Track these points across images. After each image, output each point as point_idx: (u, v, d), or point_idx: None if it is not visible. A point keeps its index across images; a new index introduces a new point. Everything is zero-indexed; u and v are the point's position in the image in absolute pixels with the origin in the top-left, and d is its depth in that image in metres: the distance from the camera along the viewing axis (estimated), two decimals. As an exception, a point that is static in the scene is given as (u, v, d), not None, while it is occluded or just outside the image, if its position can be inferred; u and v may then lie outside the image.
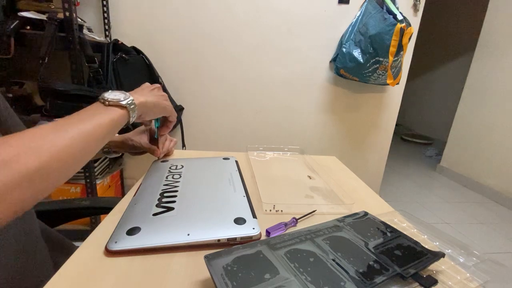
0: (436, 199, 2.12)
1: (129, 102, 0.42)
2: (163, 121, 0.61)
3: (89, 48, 1.14)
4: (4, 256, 0.36)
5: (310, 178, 0.66)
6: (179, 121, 1.56)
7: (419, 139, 3.61)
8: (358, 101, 1.71)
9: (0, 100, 0.40)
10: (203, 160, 0.67)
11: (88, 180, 1.23)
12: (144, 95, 0.49)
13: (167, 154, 0.72)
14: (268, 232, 0.42)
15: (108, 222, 0.43)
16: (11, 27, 1.00)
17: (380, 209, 0.54)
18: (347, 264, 0.33)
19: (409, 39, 1.33)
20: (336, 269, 0.32)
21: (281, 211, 0.50)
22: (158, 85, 0.54)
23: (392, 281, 0.32)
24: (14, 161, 0.26)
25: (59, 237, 0.56)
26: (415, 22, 1.59)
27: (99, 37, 1.30)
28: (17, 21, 1.02)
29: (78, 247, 0.37)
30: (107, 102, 0.40)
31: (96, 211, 0.63)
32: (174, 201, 0.46)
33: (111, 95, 0.42)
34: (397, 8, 1.36)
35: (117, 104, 0.41)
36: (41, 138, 0.30)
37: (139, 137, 0.64)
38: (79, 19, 1.12)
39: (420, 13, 1.59)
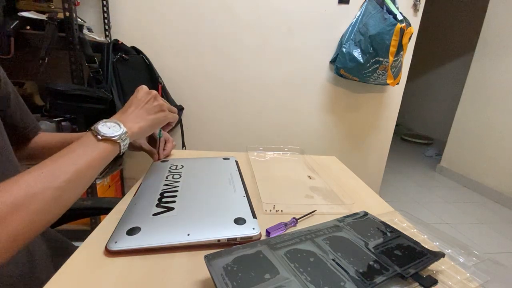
0: (436, 199, 2.12)
1: (122, 137, 0.41)
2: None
3: (89, 48, 1.14)
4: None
5: (310, 178, 0.66)
6: (179, 121, 1.56)
7: (419, 139, 3.61)
8: (358, 101, 1.71)
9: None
10: (203, 160, 0.67)
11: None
12: (139, 118, 0.46)
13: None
14: (268, 232, 0.42)
15: (108, 222, 0.43)
16: (11, 27, 1.00)
17: (380, 209, 0.54)
18: (347, 264, 0.33)
19: (409, 39, 1.33)
20: (336, 269, 0.32)
21: (281, 211, 0.50)
22: (154, 92, 0.50)
23: (392, 281, 0.32)
24: (2, 220, 0.27)
25: (59, 237, 0.56)
26: (415, 22, 1.59)
27: (99, 37, 1.30)
28: (17, 21, 1.02)
29: (78, 247, 0.37)
30: (99, 137, 0.39)
31: (98, 211, 0.63)
32: (174, 201, 0.46)
33: (104, 128, 0.40)
34: (397, 8, 1.36)
35: (109, 139, 0.39)
36: (28, 193, 0.30)
37: None
38: (79, 19, 1.12)
39: (420, 13, 1.59)
